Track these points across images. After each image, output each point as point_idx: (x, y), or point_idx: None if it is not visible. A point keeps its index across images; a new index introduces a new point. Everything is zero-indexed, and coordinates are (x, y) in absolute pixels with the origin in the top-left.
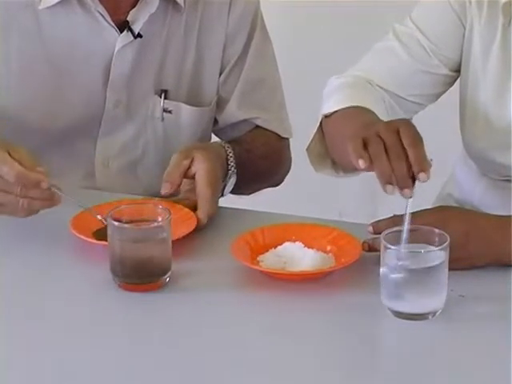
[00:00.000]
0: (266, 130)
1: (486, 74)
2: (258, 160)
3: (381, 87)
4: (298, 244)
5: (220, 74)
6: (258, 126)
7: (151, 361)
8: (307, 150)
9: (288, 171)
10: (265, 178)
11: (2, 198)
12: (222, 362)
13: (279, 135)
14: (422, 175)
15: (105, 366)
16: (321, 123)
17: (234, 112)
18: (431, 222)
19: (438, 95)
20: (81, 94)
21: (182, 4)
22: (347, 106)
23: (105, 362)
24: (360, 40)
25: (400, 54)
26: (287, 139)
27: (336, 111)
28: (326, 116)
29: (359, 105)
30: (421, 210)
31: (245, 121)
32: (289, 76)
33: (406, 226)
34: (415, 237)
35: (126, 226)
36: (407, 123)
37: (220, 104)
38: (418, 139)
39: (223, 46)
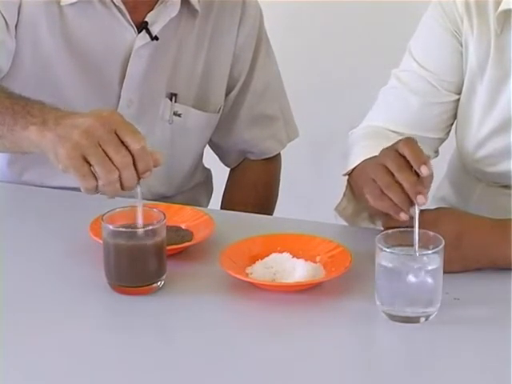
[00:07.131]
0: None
1: (482, 82)
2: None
3: (395, 132)
4: (286, 255)
5: (228, 87)
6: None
7: (145, 364)
8: (336, 209)
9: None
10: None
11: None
12: (216, 367)
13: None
14: (423, 168)
15: (98, 369)
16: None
17: (242, 131)
18: (424, 222)
19: (451, 124)
20: (97, 91)
21: (199, 8)
22: (365, 158)
23: (98, 365)
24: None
25: (407, 95)
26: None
27: (356, 167)
28: (349, 174)
29: (375, 154)
30: None
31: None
32: (286, 76)
33: (416, 234)
34: (410, 239)
35: (120, 229)
36: (404, 139)
37: (229, 119)
38: (410, 142)
39: (232, 56)
